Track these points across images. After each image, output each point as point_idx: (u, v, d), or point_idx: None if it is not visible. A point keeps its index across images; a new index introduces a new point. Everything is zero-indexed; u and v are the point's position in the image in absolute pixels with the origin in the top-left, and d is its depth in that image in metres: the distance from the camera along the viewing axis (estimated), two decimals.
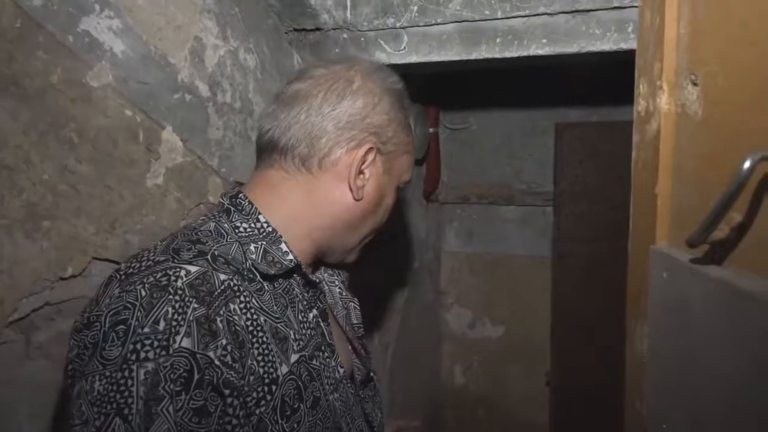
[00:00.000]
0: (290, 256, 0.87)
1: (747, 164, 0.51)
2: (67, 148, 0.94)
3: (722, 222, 0.57)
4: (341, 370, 0.92)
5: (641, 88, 0.79)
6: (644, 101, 0.78)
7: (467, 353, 2.99)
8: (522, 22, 1.35)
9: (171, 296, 0.70)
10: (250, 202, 0.89)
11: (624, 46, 1.28)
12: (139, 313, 0.69)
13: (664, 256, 0.70)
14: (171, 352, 0.67)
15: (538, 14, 1.32)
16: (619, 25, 1.28)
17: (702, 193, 0.66)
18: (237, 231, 0.86)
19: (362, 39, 1.48)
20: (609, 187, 2.31)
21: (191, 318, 0.69)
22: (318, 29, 1.50)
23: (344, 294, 1.08)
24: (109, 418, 0.64)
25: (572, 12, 1.30)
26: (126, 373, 0.66)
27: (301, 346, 0.84)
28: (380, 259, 2.25)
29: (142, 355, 0.67)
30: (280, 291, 0.86)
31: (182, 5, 1.16)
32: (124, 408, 0.65)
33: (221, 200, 0.92)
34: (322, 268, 1.08)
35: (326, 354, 0.90)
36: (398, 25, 1.43)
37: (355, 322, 1.07)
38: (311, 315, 0.91)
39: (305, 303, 0.91)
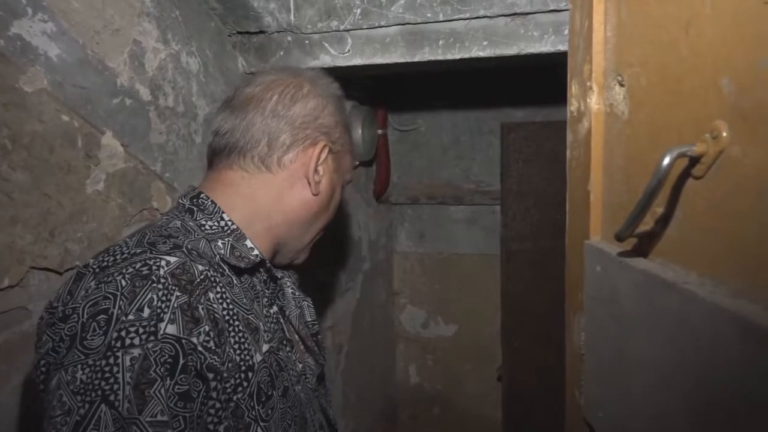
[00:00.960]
0: (255, 252, 0.91)
1: (666, 160, 0.54)
2: (1, 154, 0.92)
3: (647, 216, 0.60)
4: (300, 366, 0.96)
5: (573, 89, 0.82)
6: (576, 101, 0.81)
7: (421, 352, 3.02)
8: (463, 25, 1.37)
9: (154, 284, 0.70)
10: (212, 202, 0.92)
11: (561, 48, 1.32)
12: (121, 302, 0.69)
13: (596, 250, 0.73)
14: (159, 337, 0.67)
15: (478, 17, 1.35)
16: (556, 27, 1.32)
17: (630, 190, 0.69)
18: (203, 228, 0.88)
19: (306, 42, 1.48)
20: (552, 185, 2.37)
21: (175, 305, 0.70)
22: (262, 32, 1.49)
23: (296, 293, 1.09)
24: (94, 405, 0.64)
25: (511, 15, 1.33)
26: (111, 360, 0.66)
27: (269, 338, 0.87)
28: (331, 260, 2.25)
29: (128, 341, 0.66)
30: (246, 285, 0.89)
31: (120, 8, 1.14)
32: (110, 395, 0.64)
33: (180, 201, 0.93)
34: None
35: (287, 348, 0.94)
36: (342, 27, 1.44)
37: (309, 319, 1.08)
38: (273, 310, 0.94)
39: (266, 299, 0.93)
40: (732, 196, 0.51)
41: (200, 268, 0.78)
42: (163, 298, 0.70)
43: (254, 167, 0.94)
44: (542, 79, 2.53)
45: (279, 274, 1.00)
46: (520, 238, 2.40)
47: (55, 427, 0.64)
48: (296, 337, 1.05)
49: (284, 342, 0.93)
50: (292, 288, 1.10)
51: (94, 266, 0.76)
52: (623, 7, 0.70)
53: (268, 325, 0.90)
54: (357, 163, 1.16)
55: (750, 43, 0.49)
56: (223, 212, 0.91)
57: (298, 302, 1.08)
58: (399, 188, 2.91)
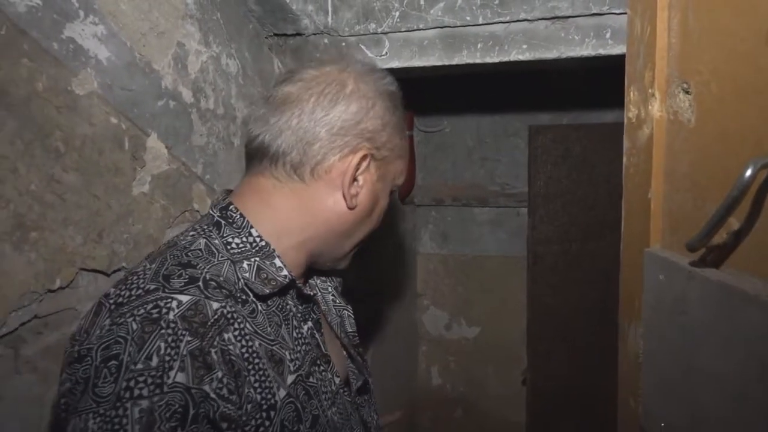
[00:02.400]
0: (284, 272, 0.84)
1: (749, 172, 0.53)
2: (54, 157, 0.92)
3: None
4: (337, 380, 0.91)
5: (632, 95, 0.81)
6: (635, 108, 0.80)
7: (444, 354, 3.02)
8: (502, 28, 1.37)
9: (163, 330, 0.68)
10: (241, 215, 0.86)
11: (602, 51, 1.31)
12: (131, 348, 0.67)
13: (659, 258, 0.72)
14: (165, 389, 0.65)
15: (518, 20, 1.34)
16: (597, 31, 1.31)
17: (696, 198, 0.68)
18: (228, 247, 0.83)
19: (343, 44, 1.48)
20: (581, 188, 2.36)
21: (185, 352, 0.67)
22: (299, 34, 1.49)
23: (337, 301, 1.07)
24: None
25: (552, 18, 1.33)
26: (120, 411, 0.64)
27: (297, 366, 0.82)
28: (358, 263, 2.25)
29: (136, 392, 0.65)
30: (273, 309, 0.84)
31: (165, 11, 1.15)
32: None
33: (211, 212, 0.88)
34: (314, 275, 1.08)
35: (322, 367, 0.88)
36: (380, 30, 1.44)
37: (349, 330, 1.05)
38: (306, 327, 0.89)
39: (299, 316, 0.89)
40: None
41: (215, 306, 0.73)
42: (173, 345, 0.67)
43: (286, 175, 0.87)
44: (568, 83, 2.53)
45: (312, 292, 0.93)
46: (547, 241, 2.39)
47: None
48: (338, 343, 1.03)
49: (318, 362, 0.88)
50: (333, 295, 1.07)
51: (111, 300, 0.73)
52: (691, 15, 0.69)
53: (298, 349, 0.85)
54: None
55: None
56: (251, 227, 0.85)
57: (339, 311, 1.06)
58: (423, 190, 2.90)
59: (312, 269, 1.01)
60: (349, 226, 0.92)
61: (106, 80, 1.02)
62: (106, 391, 0.65)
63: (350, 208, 0.89)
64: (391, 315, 2.60)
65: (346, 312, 1.06)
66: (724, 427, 0.60)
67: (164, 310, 0.69)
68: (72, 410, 0.67)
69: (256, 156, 0.90)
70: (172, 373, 0.66)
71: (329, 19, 1.46)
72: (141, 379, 0.65)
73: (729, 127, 0.63)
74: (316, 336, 0.90)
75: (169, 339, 0.67)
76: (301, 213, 0.88)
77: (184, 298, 0.71)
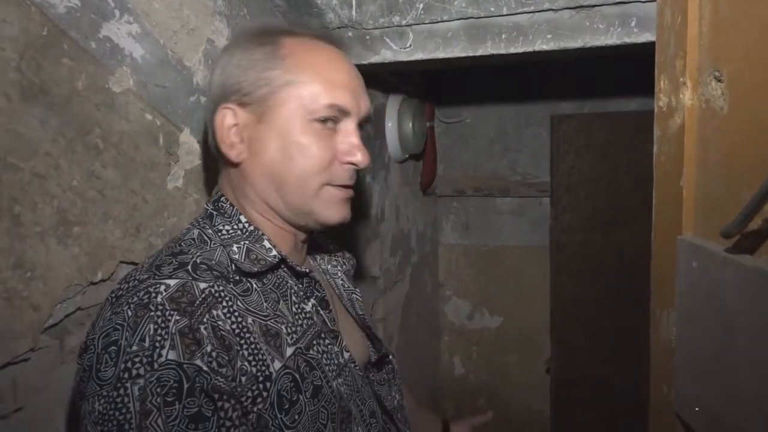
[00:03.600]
0: (273, 252, 0.88)
1: None
2: (94, 153, 0.95)
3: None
4: (346, 354, 0.93)
5: (662, 83, 0.82)
6: (665, 97, 0.81)
7: (466, 344, 3.03)
8: (527, 18, 1.37)
9: (152, 313, 0.72)
10: (231, 204, 0.91)
11: (627, 40, 1.31)
12: (126, 333, 0.71)
13: (692, 246, 0.73)
14: (156, 366, 0.69)
15: (542, 10, 1.34)
16: (622, 19, 1.30)
17: (730, 185, 0.69)
18: (220, 234, 0.88)
19: (367, 37, 1.49)
20: (604, 177, 2.35)
21: (173, 331, 0.71)
22: (323, 28, 1.51)
23: (347, 286, 1.10)
24: None
25: (576, 8, 1.32)
26: (121, 391, 0.68)
27: (295, 339, 0.85)
28: (383, 253, 2.27)
29: (134, 372, 0.69)
30: (270, 287, 0.87)
31: (195, 8, 1.17)
32: (124, 424, 0.67)
33: (206, 206, 0.94)
34: (326, 257, 1.11)
35: (327, 341, 0.90)
36: (404, 23, 1.44)
37: (360, 312, 1.07)
38: (310, 304, 0.92)
39: (301, 294, 0.91)
40: None
41: (202, 286, 0.77)
42: (162, 325, 0.71)
43: (216, 155, 0.94)
44: (588, 72, 2.51)
45: (306, 269, 0.92)
46: (570, 230, 2.39)
47: None
48: (355, 324, 1.05)
49: (322, 335, 0.90)
50: (342, 279, 1.11)
51: (113, 294, 0.79)
52: (722, 3, 0.70)
53: (298, 323, 0.87)
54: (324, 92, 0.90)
55: None
56: (240, 214, 0.91)
57: (349, 294, 1.09)
58: (445, 180, 2.91)
59: (313, 246, 1.07)
60: (267, 176, 0.89)
61: (141, 77, 1.04)
62: (108, 374, 0.70)
63: (236, 163, 0.90)
64: (413, 305, 2.62)
65: (355, 295, 1.09)
66: (760, 409, 0.61)
67: (153, 295, 0.74)
68: (81, 397, 0.73)
69: None
70: (164, 352, 0.70)
71: (353, 12, 1.47)
72: (137, 359, 0.69)
73: (763, 115, 0.64)
74: (322, 313, 0.92)
75: (159, 320, 0.71)
76: (238, 184, 0.92)
77: (172, 282, 0.76)
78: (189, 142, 1.16)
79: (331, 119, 0.89)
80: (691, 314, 0.74)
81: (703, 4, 0.74)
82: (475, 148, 2.86)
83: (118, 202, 1.00)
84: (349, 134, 0.91)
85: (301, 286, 0.92)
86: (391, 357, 1.09)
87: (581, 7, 1.32)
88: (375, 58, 1.50)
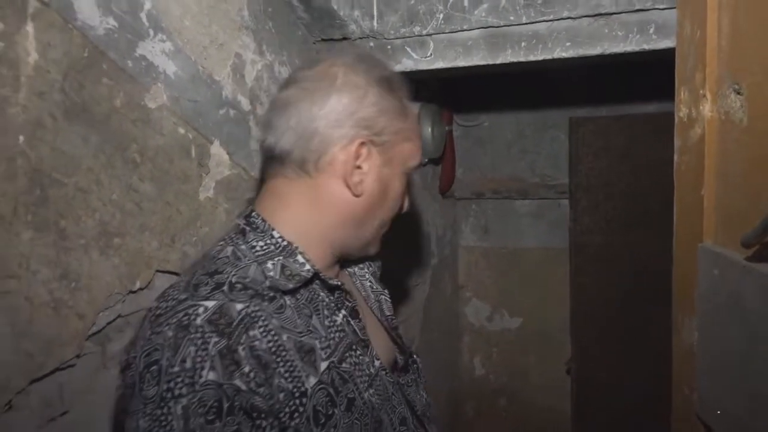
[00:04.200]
0: (307, 267, 0.89)
1: None
2: (131, 168, 0.99)
3: None
4: (377, 363, 0.95)
5: (682, 95, 0.84)
6: (686, 108, 0.83)
7: (486, 345, 3.05)
8: (546, 27, 1.39)
9: (192, 335, 0.75)
10: (263, 219, 0.92)
11: (646, 47, 1.33)
12: (168, 354, 0.74)
13: (713, 254, 0.75)
14: (197, 387, 0.72)
15: (561, 18, 1.37)
16: (641, 26, 1.32)
17: (750, 195, 0.71)
18: (253, 250, 0.88)
19: (389, 47, 1.53)
20: (623, 179, 2.36)
21: (213, 352, 0.74)
22: (345, 38, 1.54)
23: (375, 287, 1.11)
24: None
25: (595, 15, 1.35)
26: (165, 410, 0.72)
27: (329, 353, 0.87)
28: (403, 256, 2.30)
29: (176, 392, 0.72)
30: (303, 302, 0.89)
31: (223, 24, 1.21)
32: None
33: (237, 221, 0.95)
34: (351, 263, 1.12)
35: (359, 351, 0.93)
36: (424, 32, 1.48)
37: (387, 314, 1.09)
38: (340, 315, 0.93)
39: (332, 306, 0.93)
40: None
41: (239, 307, 0.79)
42: (202, 347, 0.74)
43: (294, 174, 0.92)
44: (607, 75, 2.52)
45: (340, 282, 0.95)
46: (589, 232, 2.41)
47: None
48: (381, 327, 1.07)
49: (353, 347, 0.92)
50: (370, 281, 1.12)
51: (152, 313, 0.81)
52: (741, 17, 0.72)
53: (330, 336, 0.89)
54: (421, 152, 1.04)
55: None
56: (273, 229, 0.90)
57: (377, 296, 1.10)
58: (463, 183, 2.93)
59: (346, 259, 1.06)
60: (360, 213, 0.95)
61: (174, 93, 1.08)
62: (150, 393, 0.73)
63: (357, 196, 0.92)
64: (433, 307, 2.65)
65: (383, 297, 1.10)
66: None
67: (192, 317, 0.76)
68: (124, 413, 0.77)
69: (267, 160, 0.97)
70: (204, 372, 0.73)
71: (375, 23, 1.50)
72: (179, 380, 0.72)
73: None
74: (352, 323, 0.94)
75: (199, 342, 0.74)
76: (313, 206, 0.93)
77: (210, 304, 0.78)
78: (219, 154, 1.20)
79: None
80: (713, 320, 0.76)
81: (722, 17, 0.76)
82: (493, 151, 2.88)
83: (154, 214, 1.04)
84: (409, 185, 1.03)
85: (332, 297, 0.94)
86: (416, 356, 1.12)
87: (600, 15, 1.34)
88: (397, 68, 1.53)
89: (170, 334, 0.75)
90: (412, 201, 1.04)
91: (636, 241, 2.35)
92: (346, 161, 0.90)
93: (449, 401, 2.95)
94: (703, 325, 0.79)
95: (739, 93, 0.73)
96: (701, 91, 0.78)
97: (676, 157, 0.86)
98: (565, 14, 1.36)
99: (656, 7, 1.29)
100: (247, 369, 0.75)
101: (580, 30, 1.37)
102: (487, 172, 2.91)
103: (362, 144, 0.90)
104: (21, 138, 0.81)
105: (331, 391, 0.84)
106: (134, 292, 1.01)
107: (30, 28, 0.82)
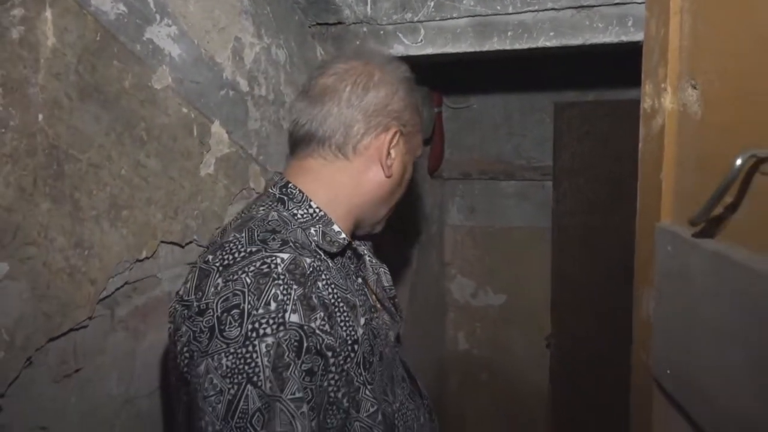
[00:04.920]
0: (342, 235, 1.01)
1: (739, 161, 0.64)
2: (139, 145, 1.06)
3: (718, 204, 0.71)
4: (385, 327, 1.08)
5: (647, 88, 0.92)
6: (650, 99, 0.91)
7: (470, 320, 3.16)
8: (531, 17, 1.46)
9: (276, 281, 0.82)
10: (300, 191, 1.01)
11: (624, 38, 1.41)
12: (250, 298, 0.80)
13: (668, 232, 0.84)
14: (287, 326, 0.80)
15: (546, 9, 1.44)
16: (620, 19, 1.40)
17: (701, 180, 0.80)
18: (296, 218, 0.98)
19: (381, 32, 1.59)
20: (605, 162, 2.45)
21: (295, 297, 0.82)
22: (340, 23, 1.61)
23: (373, 261, 1.21)
24: (241, 386, 0.77)
25: (578, 7, 1.42)
26: (250, 348, 0.78)
27: (364, 311, 0.98)
28: (391, 234, 2.39)
29: (261, 332, 0.79)
30: (339, 266, 1.00)
31: (225, 9, 1.27)
32: (253, 376, 0.77)
33: (271, 190, 1.03)
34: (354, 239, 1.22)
35: (375, 314, 1.05)
36: (416, 19, 1.54)
37: (386, 284, 1.19)
38: (358, 282, 1.06)
39: (353, 272, 1.06)
40: None
41: (308, 261, 0.88)
42: (285, 292, 0.81)
43: (332, 155, 1.03)
44: (591, 64, 2.59)
45: (361, 251, 1.10)
46: (570, 213, 2.50)
47: (211, 405, 0.78)
48: (374, 298, 1.18)
49: (372, 309, 1.04)
50: (369, 256, 1.23)
51: (217, 263, 0.87)
52: (699, 22, 0.80)
53: (360, 297, 1.00)
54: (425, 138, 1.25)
55: None
56: (310, 200, 1.00)
57: (375, 269, 1.20)
58: (451, 164, 3.02)
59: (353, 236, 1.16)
60: (386, 193, 1.08)
61: (178, 75, 1.15)
62: (233, 334, 0.80)
63: (387, 177, 1.05)
64: (420, 283, 2.74)
65: (382, 270, 1.20)
66: (718, 371, 0.73)
67: (272, 266, 0.84)
68: (200, 354, 0.81)
69: (304, 141, 1.06)
70: (287, 315, 0.81)
71: (368, 8, 1.56)
72: (264, 320, 0.79)
73: (728, 121, 0.74)
74: (365, 290, 1.07)
75: (282, 287, 0.82)
76: (348, 185, 1.04)
77: (285, 255, 0.86)
78: (219, 133, 1.27)
79: None
80: (666, 291, 0.86)
81: (684, 20, 0.84)
82: (481, 133, 2.96)
83: (159, 188, 1.11)
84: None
85: (353, 266, 1.06)
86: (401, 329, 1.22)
87: (582, 7, 1.42)
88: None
89: (249, 280, 0.82)
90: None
91: (615, 223, 2.45)
92: (381, 147, 1.03)
93: (434, 374, 3.06)
94: (658, 296, 0.88)
95: (695, 88, 0.81)
96: (663, 85, 0.86)
97: (640, 145, 0.95)
98: (550, 5, 1.43)
99: (635, 1, 1.36)
100: (321, 314, 0.84)
101: (564, 21, 1.45)
102: (475, 154, 2.99)
103: (395, 132, 1.04)
104: (40, 117, 0.88)
105: (371, 342, 0.96)
106: (141, 260, 1.09)
107: (48, 13, 0.89)
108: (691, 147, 0.82)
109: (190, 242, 1.20)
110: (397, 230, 2.49)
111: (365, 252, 1.16)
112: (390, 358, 1.05)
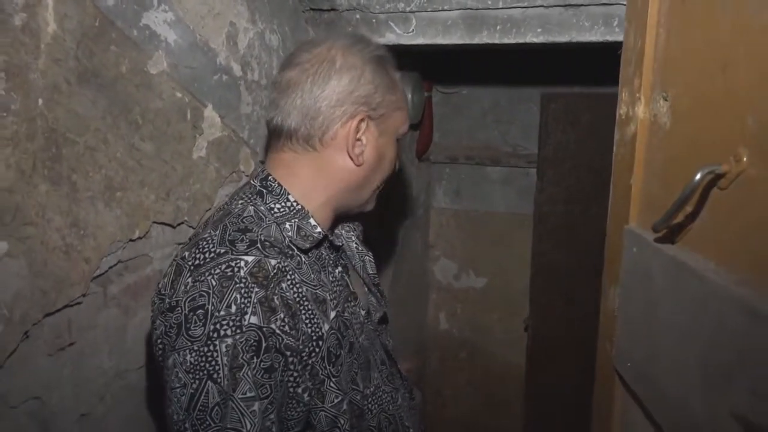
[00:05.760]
0: (318, 229, 1.03)
1: (698, 175, 0.69)
2: (134, 128, 1.10)
3: (679, 213, 0.77)
4: (363, 313, 1.12)
5: (623, 95, 0.97)
6: (625, 107, 0.96)
7: (452, 301, 3.24)
8: (520, 13, 1.50)
9: (237, 284, 0.87)
10: (279, 184, 1.04)
11: (609, 38, 1.45)
12: (213, 299, 0.86)
13: (634, 234, 0.89)
14: (243, 329, 0.85)
15: (535, 6, 1.47)
16: (606, 19, 1.44)
17: (666, 188, 0.85)
18: (272, 212, 1.01)
19: (374, 20, 1.62)
20: (588, 154, 2.51)
21: (255, 300, 0.86)
22: (333, 9, 1.63)
23: (360, 248, 1.27)
24: (203, 382, 0.83)
25: (566, 6, 1.46)
26: (211, 347, 0.84)
27: (335, 304, 1.02)
28: (377, 215, 2.43)
29: (222, 332, 0.84)
30: (313, 259, 1.02)
31: None
32: (213, 373, 0.83)
33: (252, 182, 1.07)
34: (341, 224, 1.26)
35: (352, 303, 1.09)
36: (408, 9, 1.57)
37: (370, 272, 1.25)
38: (337, 271, 1.09)
39: (332, 263, 1.08)
40: (747, 206, 0.67)
41: (273, 263, 0.91)
42: (245, 295, 0.86)
43: (301, 148, 1.04)
44: (579, 59, 2.62)
45: (339, 242, 1.12)
46: (552, 202, 2.56)
47: (176, 396, 0.85)
48: (362, 282, 1.23)
49: (349, 298, 1.08)
50: (356, 243, 1.27)
51: (190, 262, 0.92)
52: (672, 38, 0.84)
53: (334, 290, 1.04)
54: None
55: None
56: (288, 193, 1.03)
57: (361, 256, 1.25)
58: (439, 148, 3.06)
59: (339, 220, 1.20)
60: (361, 180, 1.08)
61: (173, 60, 1.18)
62: (197, 333, 0.86)
63: (358, 165, 1.05)
64: (404, 264, 2.80)
65: (367, 257, 1.26)
66: (672, 365, 0.79)
67: (236, 269, 0.89)
68: (170, 348, 0.88)
69: (275, 135, 1.09)
70: (247, 317, 0.86)
71: None
72: (224, 322, 0.85)
73: (693, 135, 0.79)
74: (345, 278, 1.10)
75: (243, 291, 0.87)
76: (320, 176, 1.05)
77: (249, 258, 0.91)
78: (211, 117, 1.30)
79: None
80: (630, 289, 0.91)
81: (659, 34, 0.88)
82: (469, 119, 3.00)
83: (152, 171, 1.15)
84: (399, 149, 1.16)
85: (332, 256, 1.08)
86: (387, 311, 1.27)
87: (570, 5, 1.45)
88: (380, 40, 1.62)
89: (214, 283, 0.87)
90: (401, 162, 1.17)
91: (593, 214, 2.52)
92: (347, 136, 1.03)
93: (415, 352, 3.14)
94: (623, 293, 0.94)
95: (666, 99, 0.86)
96: (637, 95, 0.91)
97: (615, 149, 1.00)
98: (539, 2, 1.46)
99: (620, 2, 1.40)
100: (282, 315, 0.89)
101: (551, 18, 1.48)
102: (463, 139, 3.03)
103: (361, 120, 1.03)
104: (40, 101, 0.91)
105: (339, 335, 1.00)
106: (133, 240, 1.13)
107: (50, 0, 0.91)
108: (659, 156, 0.87)
109: (181, 223, 1.24)
110: (383, 207, 2.54)
111: (344, 242, 1.20)
112: (366, 345, 1.09)
